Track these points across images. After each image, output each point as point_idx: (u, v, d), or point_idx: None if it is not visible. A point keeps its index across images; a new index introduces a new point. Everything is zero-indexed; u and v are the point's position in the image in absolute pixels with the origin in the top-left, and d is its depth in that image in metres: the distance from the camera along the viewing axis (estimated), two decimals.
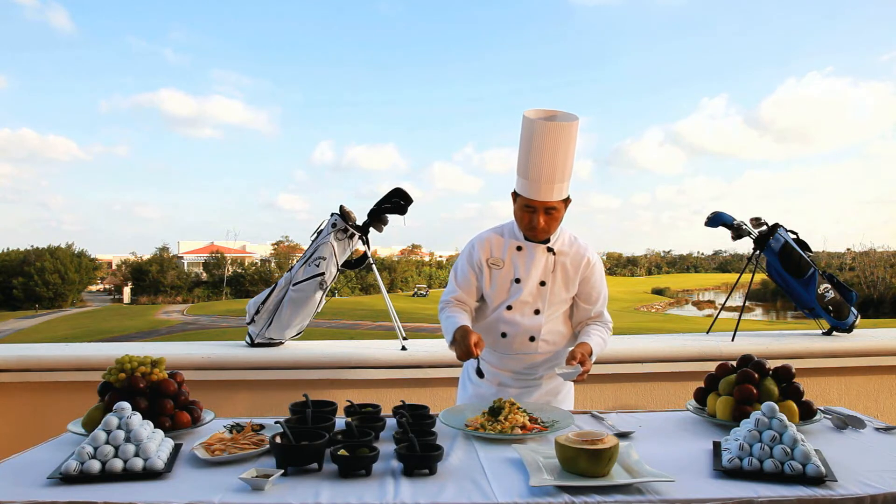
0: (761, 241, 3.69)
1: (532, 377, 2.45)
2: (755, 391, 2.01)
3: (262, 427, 1.97)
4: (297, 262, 3.43)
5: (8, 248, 57.66)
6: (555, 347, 2.44)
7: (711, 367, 2.24)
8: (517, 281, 2.38)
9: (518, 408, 2.02)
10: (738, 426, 1.76)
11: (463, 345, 2.21)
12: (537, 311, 2.38)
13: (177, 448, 1.78)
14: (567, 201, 2.35)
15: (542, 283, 2.38)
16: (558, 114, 2.26)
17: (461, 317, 2.37)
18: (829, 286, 3.62)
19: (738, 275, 4.02)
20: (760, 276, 3.92)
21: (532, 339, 2.39)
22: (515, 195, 2.34)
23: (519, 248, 2.40)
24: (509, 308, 2.39)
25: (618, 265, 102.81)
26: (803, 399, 2.04)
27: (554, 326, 2.43)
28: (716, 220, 3.80)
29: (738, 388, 2.03)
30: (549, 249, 2.38)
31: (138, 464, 1.61)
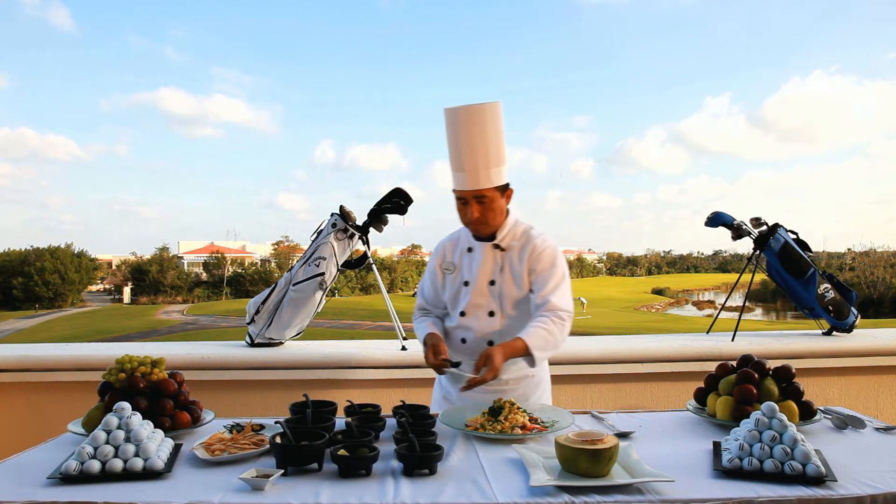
0: (761, 241, 3.69)
1: (498, 383, 2.28)
2: (755, 391, 2.01)
3: (262, 427, 1.97)
4: (297, 262, 3.43)
5: (8, 248, 57.64)
6: None
7: (711, 367, 2.24)
8: (465, 284, 2.33)
9: (518, 408, 2.03)
10: (738, 426, 1.76)
11: (427, 354, 2.22)
12: (492, 314, 2.30)
13: (177, 448, 1.78)
14: (506, 192, 2.27)
15: (492, 283, 2.30)
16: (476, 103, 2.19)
17: (428, 323, 2.40)
18: (829, 286, 3.62)
19: (738, 275, 4.02)
20: (760, 276, 3.92)
21: (490, 343, 2.30)
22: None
23: (469, 250, 2.34)
24: (463, 314, 2.34)
25: (618, 265, 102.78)
26: (803, 399, 2.05)
27: (514, 328, 2.26)
28: (716, 220, 3.80)
29: (738, 388, 2.03)
30: (496, 246, 2.30)
31: (138, 464, 1.61)
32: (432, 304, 2.48)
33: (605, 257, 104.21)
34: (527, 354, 2.12)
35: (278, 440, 1.68)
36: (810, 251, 3.75)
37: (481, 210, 2.22)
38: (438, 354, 2.19)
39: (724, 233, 3.81)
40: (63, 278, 53.39)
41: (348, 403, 2.08)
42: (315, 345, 3.49)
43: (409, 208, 3.45)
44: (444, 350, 2.23)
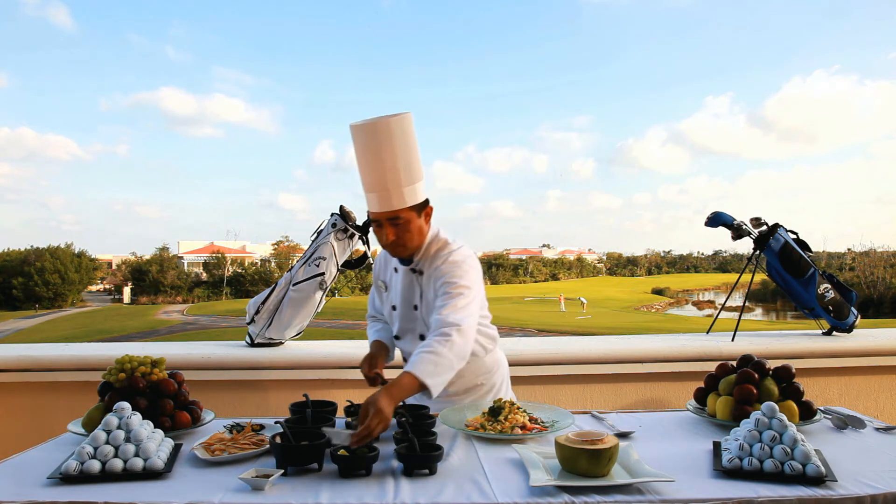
0: (761, 241, 3.69)
1: (445, 394, 2.26)
2: (755, 391, 2.01)
3: (262, 427, 1.97)
4: (298, 262, 3.42)
5: (8, 248, 57.66)
6: None
7: (711, 367, 2.24)
8: (394, 308, 2.28)
9: (518, 408, 2.03)
10: (738, 426, 1.76)
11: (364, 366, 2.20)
12: (422, 336, 2.21)
13: (177, 448, 1.78)
14: (424, 210, 2.11)
15: (416, 308, 2.21)
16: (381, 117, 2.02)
17: (378, 328, 2.38)
18: (829, 286, 3.62)
19: (738, 275, 4.02)
20: (760, 276, 3.92)
21: None
22: None
23: (396, 270, 2.26)
24: (397, 337, 2.30)
25: (618, 265, 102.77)
26: (803, 399, 2.05)
27: None
28: (716, 220, 3.80)
29: (738, 388, 2.03)
30: (413, 270, 2.18)
31: (138, 464, 1.61)
32: (380, 313, 2.44)
33: (605, 257, 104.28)
34: (422, 387, 1.87)
35: (278, 440, 1.68)
36: (810, 251, 3.75)
37: (396, 232, 2.06)
38: (374, 367, 2.17)
39: (724, 233, 3.80)
40: (63, 278, 53.39)
41: (348, 403, 2.08)
42: (315, 345, 3.48)
43: None
44: (380, 364, 2.21)
